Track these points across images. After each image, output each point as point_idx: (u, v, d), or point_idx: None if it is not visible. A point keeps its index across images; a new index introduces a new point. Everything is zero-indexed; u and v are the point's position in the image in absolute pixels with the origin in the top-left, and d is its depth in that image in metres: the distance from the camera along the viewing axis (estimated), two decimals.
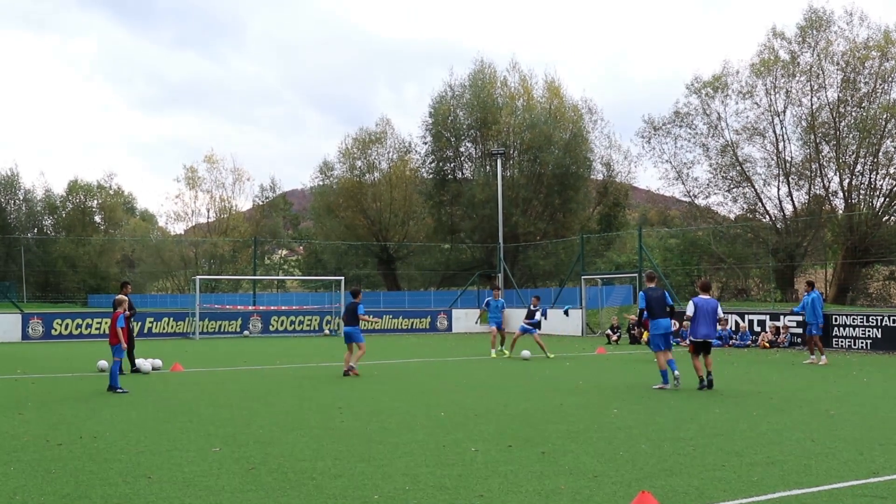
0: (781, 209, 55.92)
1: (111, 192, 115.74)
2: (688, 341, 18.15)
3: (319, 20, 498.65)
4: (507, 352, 26.57)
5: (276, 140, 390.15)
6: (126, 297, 17.77)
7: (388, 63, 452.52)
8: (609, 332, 34.48)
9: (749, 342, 30.59)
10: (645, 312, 18.23)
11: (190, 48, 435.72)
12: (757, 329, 31.00)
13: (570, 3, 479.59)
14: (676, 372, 17.30)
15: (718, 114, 55.84)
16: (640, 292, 18.41)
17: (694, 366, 17.39)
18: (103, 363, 20.03)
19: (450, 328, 42.17)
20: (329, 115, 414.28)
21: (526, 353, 25.03)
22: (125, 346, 16.68)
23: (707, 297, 17.64)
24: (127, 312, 17.73)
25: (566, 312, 37.26)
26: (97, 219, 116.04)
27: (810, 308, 23.71)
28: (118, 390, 16.03)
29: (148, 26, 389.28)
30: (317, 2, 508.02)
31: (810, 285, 24.97)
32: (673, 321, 19.60)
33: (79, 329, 34.91)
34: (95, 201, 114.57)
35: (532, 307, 26.47)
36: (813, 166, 52.96)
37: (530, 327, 25.85)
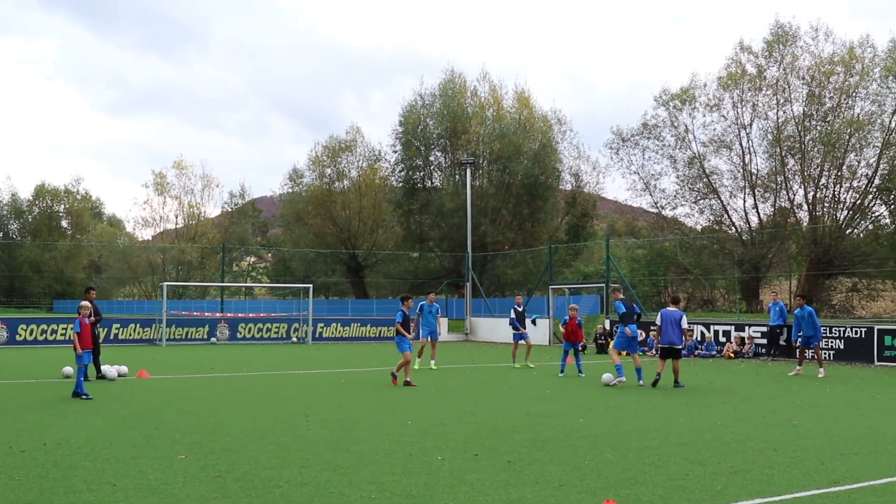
0: (747, 221, 56.43)
1: (78, 196, 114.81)
2: (654, 348, 19.86)
3: (283, 26, 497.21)
4: (516, 364, 26.15)
5: (240, 145, 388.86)
6: (88, 303, 17.63)
7: (353, 70, 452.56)
8: None
9: (714, 352, 30.82)
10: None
11: (154, 52, 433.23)
12: (722, 339, 31.24)
13: (537, 15, 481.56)
14: (623, 378, 19.79)
15: (686, 126, 56.27)
16: (617, 301, 20.16)
17: (658, 364, 19.62)
18: (69, 369, 19.87)
19: (417, 336, 42.03)
20: (294, 121, 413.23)
21: (608, 376, 20.41)
22: (80, 351, 16.48)
23: (674, 308, 19.48)
24: (92, 318, 17.63)
25: (534, 322, 37.42)
26: (64, 223, 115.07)
27: (809, 321, 23.62)
28: (83, 396, 15.93)
29: (111, 29, 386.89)
30: (281, 8, 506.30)
31: (803, 298, 25.04)
32: (639, 330, 21.20)
33: (44, 335, 34.60)
34: (62, 206, 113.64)
35: (518, 307, 26.46)
36: (778, 179, 53.48)
37: (524, 333, 26.00)
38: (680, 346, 19.33)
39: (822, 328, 28.41)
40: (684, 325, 19.31)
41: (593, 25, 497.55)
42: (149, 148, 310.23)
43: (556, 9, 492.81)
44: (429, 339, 25.77)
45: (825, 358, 27.90)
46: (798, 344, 24.04)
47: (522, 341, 26.34)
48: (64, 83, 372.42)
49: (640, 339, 24.32)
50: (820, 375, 22.65)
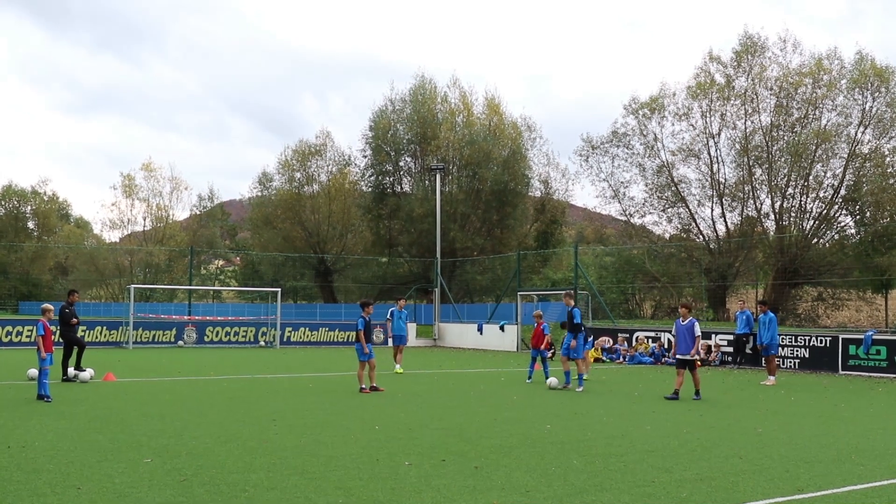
0: (714, 230, 56.89)
1: (45, 198, 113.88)
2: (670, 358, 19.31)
3: (240, 27, 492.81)
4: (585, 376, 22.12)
5: (199, 147, 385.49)
6: (50, 307, 17.47)
7: (312, 73, 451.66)
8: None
9: None
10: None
11: (108, 52, 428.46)
12: None
13: (506, 22, 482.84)
14: (568, 384, 20.58)
15: (655, 134, 56.65)
16: (575, 309, 19.88)
17: (676, 379, 18.74)
18: (33, 371, 19.68)
19: (386, 342, 42.01)
20: (253, 123, 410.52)
21: (553, 380, 20.85)
22: (44, 354, 16.33)
23: (685, 317, 18.85)
24: (74, 320, 17.68)
25: (502, 328, 37.47)
26: (30, 225, 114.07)
27: (768, 327, 23.74)
28: (45, 399, 15.82)
29: (63, 29, 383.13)
30: (237, 9, 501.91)
31: (764, 304, 25.30)
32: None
33: (9, 336, 34.23)
34: (29, 207, 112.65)
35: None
36: (746, 188, 53.94)
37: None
38: (689, 357, 18.44)
39: (788, 336, 28.75)
40: (696, 332, 18.40)
41: (563, 32, 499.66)
42: (105, 148, 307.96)
43: (524, 16, 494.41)
44: (398, 344, 25.64)
45: (790, 367, 28.15)
46: (762, 353, 24.31)
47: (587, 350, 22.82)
48: (17, 83, 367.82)
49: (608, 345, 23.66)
50: (768, 383, 22.68)
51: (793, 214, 52.90)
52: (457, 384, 21.64)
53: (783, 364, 28.30)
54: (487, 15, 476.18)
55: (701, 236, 57.32)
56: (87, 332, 36.06)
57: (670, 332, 32.82)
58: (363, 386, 18.95)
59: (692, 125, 55.33)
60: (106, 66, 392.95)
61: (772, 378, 23.08)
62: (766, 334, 23.68)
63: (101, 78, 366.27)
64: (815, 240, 53.22)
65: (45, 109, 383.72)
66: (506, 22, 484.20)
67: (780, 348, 24.46)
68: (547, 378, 21.82)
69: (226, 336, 39.64)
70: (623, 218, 61.71)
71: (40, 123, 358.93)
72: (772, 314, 24.13)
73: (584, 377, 21.82)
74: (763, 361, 24.82)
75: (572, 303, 20.86)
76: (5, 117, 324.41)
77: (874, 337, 26.53)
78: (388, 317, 26.64)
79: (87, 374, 20.33)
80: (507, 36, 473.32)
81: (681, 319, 18.81)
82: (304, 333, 41.33)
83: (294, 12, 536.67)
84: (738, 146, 53.47)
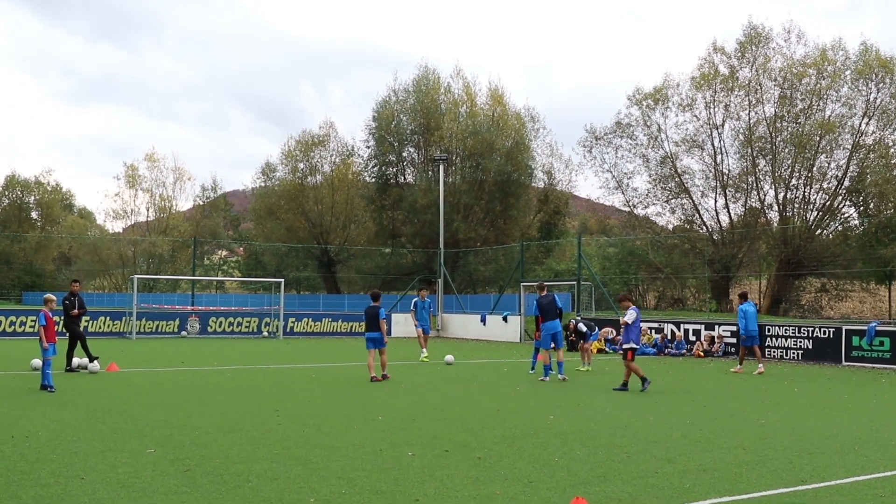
0: (718, 221, 56.84)
1: (48, 188, 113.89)
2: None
3: (238, 17, 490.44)
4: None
5: (198, 136, 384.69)
6: (52, 297, 17.47)
7: (310, 62, 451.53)
8: None
9: (684, 351, 30.96)
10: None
11: (106, 40, 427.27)
12: (692, 338, 31.40)
13: (506, 12, 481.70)
14: (553, 372, 20.25)
15: (659, 125, 56.58)
16: (534, 302, 20.09)
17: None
18: (37, 362, 19.69)
19: (389, 332, 42.05)
20: (251, 113, 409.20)
21: (449, 357, 24.64)
22: (45, 344, 16.34)
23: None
24: (76, 311, 17.78)
25: (505, 318, 37.45)
26: (34, 215, 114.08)
27: (740, 317, 24.31)
28: (49, 389, 15.84)
29: (60, 17, 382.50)
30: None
31: (744, 297, 25.47)
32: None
33: (12, 327, 34.28)
34: (32, 197, 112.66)
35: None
36: (749, 179, 53.89)
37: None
38: (626, 346, 18.08)
39: (791, 327, 28.74)
40: (627, 318, 18.10)
41: (566, 22, 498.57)
42: (104, 137, 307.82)
43: (527, 6, 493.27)
44: (422, 333, 26.65)
45: (793, 358, 28.12)
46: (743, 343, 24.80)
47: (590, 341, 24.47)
48: (16, 72, 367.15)
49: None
50: (734, 370, 23.69)
51: (796, 205, 52.86)
52: (460, 375, 21.64)
53: (786, 356, 28.30)
54: (490, 5, 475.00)
55: (704, 227, 57.28)
56: (91, 322, 36.11)
57: (673, 323, 32.84)
58: (374, 375, 19.08)
59: (696, 116, 55.30)
60: (104, 55, 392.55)
61: (760, 366, 23.62)
62: (749, 325, 24.16)
63: (99, 67, 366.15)
64: (819, 231, 53.18)
65: (43, 98, 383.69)
66: (509, 12, 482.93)
67: (755, 339, 24.79)
68: (549, 368, 21.79)
69: (229, 326, 39.66)
70: (626, 209, 61.72)
71: (39, 112, 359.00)
72: (744, 306, 24.57)
73: (591, 367, 22.04)
74: (755, 351, 25.01)
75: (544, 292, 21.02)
76: (4, 106, 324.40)
77: (877, 328, 26.49)
78: (412, 307, 27.36)
79: (96, 365, 20.34)
80: (510, 26, 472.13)
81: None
82: (307, 324, 41.35)
83: (292, 1, 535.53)
84: (741, 137, 53.43)
